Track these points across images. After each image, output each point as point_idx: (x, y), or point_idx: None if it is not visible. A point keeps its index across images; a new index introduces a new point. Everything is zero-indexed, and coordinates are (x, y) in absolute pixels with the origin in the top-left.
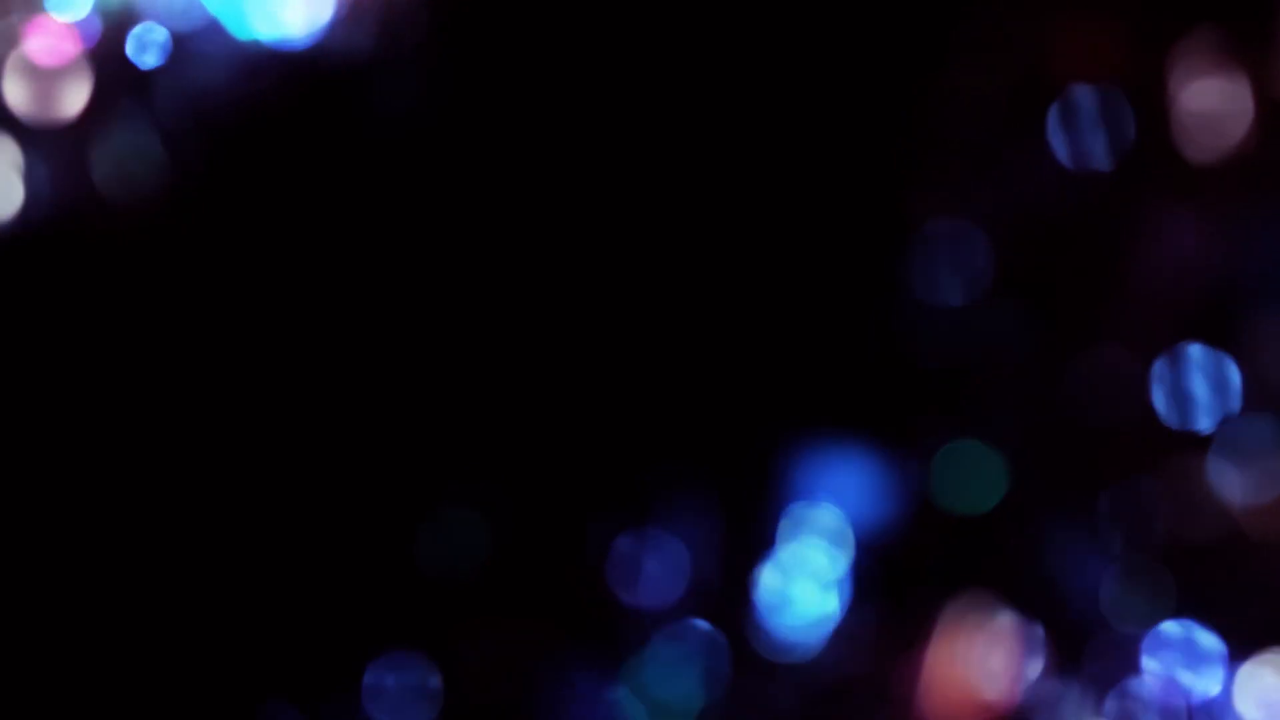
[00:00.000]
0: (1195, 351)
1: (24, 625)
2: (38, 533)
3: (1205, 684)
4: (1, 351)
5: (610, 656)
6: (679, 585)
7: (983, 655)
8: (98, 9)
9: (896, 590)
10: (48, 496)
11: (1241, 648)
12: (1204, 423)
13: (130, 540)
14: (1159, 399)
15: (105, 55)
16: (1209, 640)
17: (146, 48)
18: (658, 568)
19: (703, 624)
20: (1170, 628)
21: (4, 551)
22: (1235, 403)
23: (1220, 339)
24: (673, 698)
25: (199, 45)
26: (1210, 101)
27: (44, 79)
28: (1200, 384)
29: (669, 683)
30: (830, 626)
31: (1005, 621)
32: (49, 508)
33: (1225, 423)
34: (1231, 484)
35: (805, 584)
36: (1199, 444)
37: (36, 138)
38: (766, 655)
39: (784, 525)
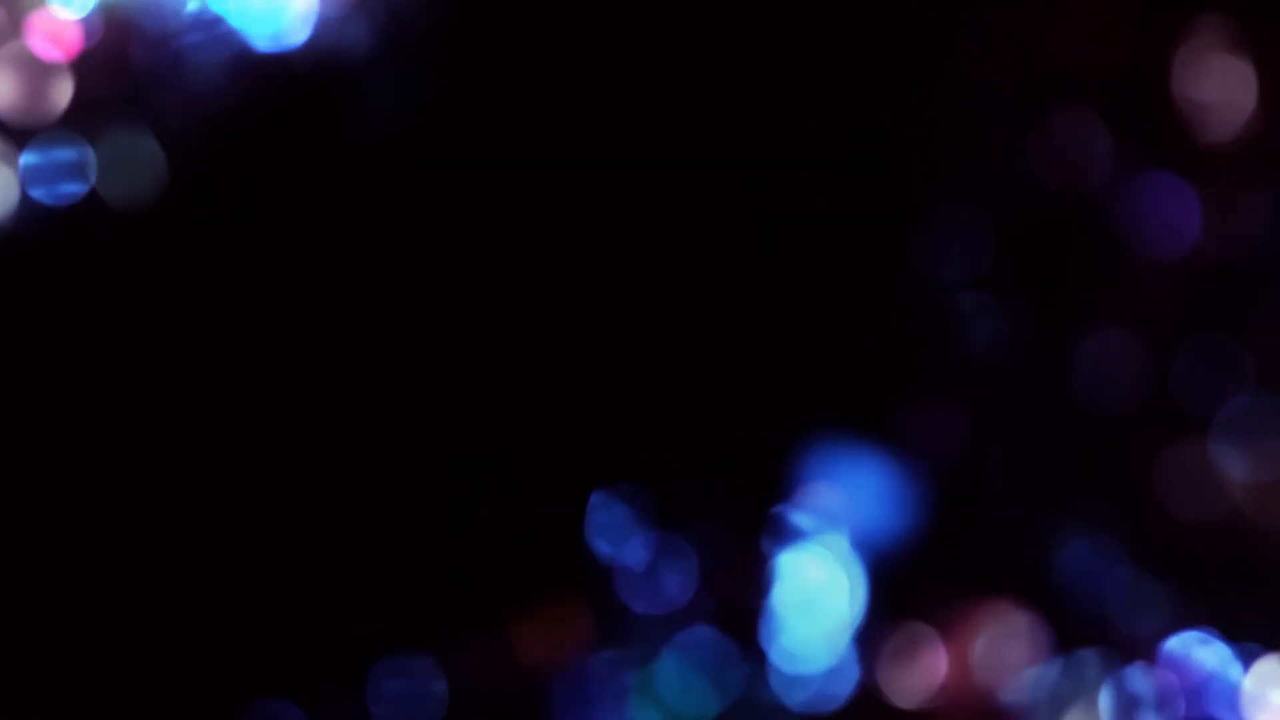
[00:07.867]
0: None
1: (24, 625)
2: (37, 533)
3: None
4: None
5: (622, 662)
6: (689, 591)
7: (993, 657)
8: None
9: (906, 593)
10: (47, 496)
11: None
12: (1211, 408)
13: (129, 540)
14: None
15: (105, 52)
16: (1219, 647)
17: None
18: (669, 573)
19: (714, 631)
20: (1181, 638)
21: (3, 551)
22: (1242, 386)
23: (1225, 324)
24: (685, 705)
25: (199, 44)
26: (1214, 89)
27: (40, 75)
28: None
29: (682, 690)
30: (844, 635)
31: (1015, 623)
32: (49, 508)
33: (1232, 407)
34: (1237, 468)
35: (818, 592)
36: (1205, 430)
37: (32, 135)
38: (780, 664)
39: (795, 532)
